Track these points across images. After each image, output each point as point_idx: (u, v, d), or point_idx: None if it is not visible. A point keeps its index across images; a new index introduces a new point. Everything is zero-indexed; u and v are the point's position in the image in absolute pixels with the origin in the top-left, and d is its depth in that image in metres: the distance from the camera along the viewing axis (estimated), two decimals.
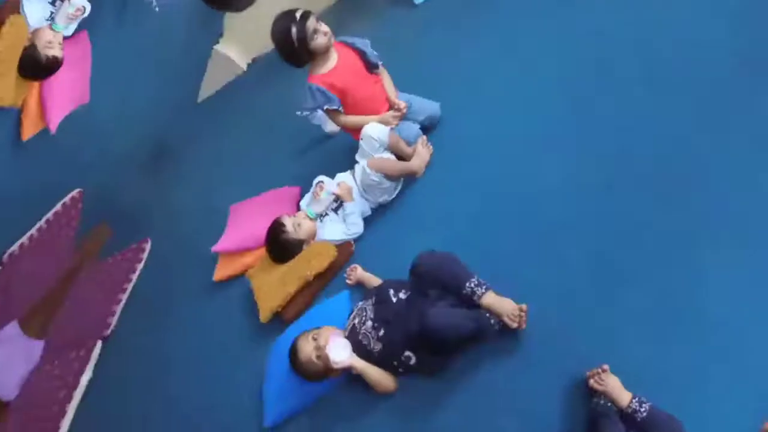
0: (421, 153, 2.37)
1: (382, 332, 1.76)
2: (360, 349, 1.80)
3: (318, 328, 1.92)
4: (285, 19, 2.25)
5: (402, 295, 1.80)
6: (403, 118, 2.48)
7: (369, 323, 1.81)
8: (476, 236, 1.87)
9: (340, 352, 1.76)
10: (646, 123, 1.80)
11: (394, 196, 2.38)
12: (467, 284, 1.63)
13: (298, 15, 2.23)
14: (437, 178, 2.31)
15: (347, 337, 1.86)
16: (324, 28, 2.29)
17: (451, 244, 1.86)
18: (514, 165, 2.07)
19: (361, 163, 2.39)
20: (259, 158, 3.57)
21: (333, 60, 2.39)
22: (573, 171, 1.86)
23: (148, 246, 3.71)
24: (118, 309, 3.36)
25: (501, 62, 2.53)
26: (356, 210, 2.36)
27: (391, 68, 2.58)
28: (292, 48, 2.27)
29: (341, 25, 2.63)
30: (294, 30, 2.23)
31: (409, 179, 2.38)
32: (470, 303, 1.63)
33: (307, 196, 2.61)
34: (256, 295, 2.41)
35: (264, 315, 2.30)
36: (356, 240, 2.36)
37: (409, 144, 2.43)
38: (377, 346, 1.77)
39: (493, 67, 2.54)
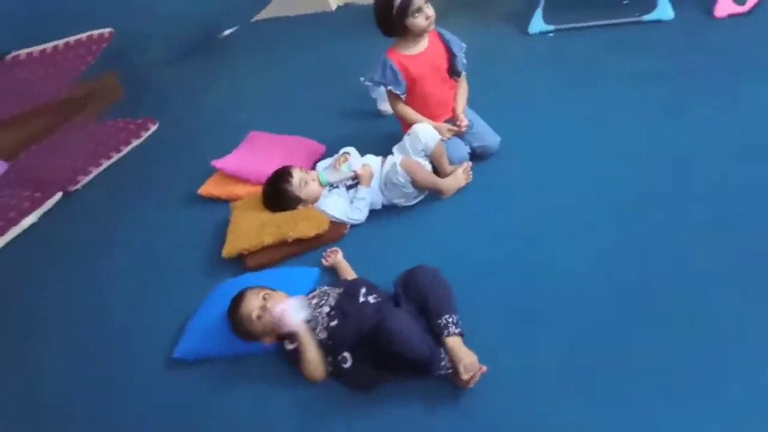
0: (458, 177, 2.39)
1: (334, 323, 1.77)
2: None
3: (273, 290, 1.95)
4: None
5: (371, 299, 1.82)
6: (459, 136, 2.51)
7: (326, 308, 1.82)
8: (466, 277, 1.89)
9: (298, 313, 1.79)
10: (687, 264, 1.81)
11: (411, 204, 2.40)
12: (446, 317, 1.65)
13: None
14: (462, 207, 2.32)
15: None
16: (430, 11, 2.31)
17: (443, 270, 1.87)
18: (538, 234, 2.07)
19: (395, 157, 2.41)
20: (303, 100, 3.60)
21: (421, 46, 2.41)
22: (589, 270, 1.87)
23: (153, 128, 3.76)
24: (94, 173, 3.41)
25: (582, 132, 2.54)
26: (368, 198, 2.38)
27: (473, 82, 2.61)
28: (389, 15, 2.29)
29: (445, 16, 2.65)
30: None
31: (433, 195, 2.40)
32: (435, 336, 1.65)
33: (328, 161, 2.64)
34: (230, 228, 2.43)
35: (228, 251, 2.33)
36: (352, 226, 2.39)
37: (451, 162, 2.45)
38: (322, 335, 1.77)
39: (572, 132, 2.56)
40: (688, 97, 2.58)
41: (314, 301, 1.88)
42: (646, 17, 3.27)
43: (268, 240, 2.29)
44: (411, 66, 2.39)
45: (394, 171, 2.31)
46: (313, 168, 2.66)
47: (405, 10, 2.27)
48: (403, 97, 2.45)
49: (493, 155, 2.53)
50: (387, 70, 2.39)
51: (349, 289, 1.88)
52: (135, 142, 3.63)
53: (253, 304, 1.87)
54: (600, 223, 2.06)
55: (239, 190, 2.73)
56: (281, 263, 2.29)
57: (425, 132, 2.37)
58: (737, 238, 1.86)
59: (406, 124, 2.52)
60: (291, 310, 1.80)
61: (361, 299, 1.82)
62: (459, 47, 2.47)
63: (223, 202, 2.72)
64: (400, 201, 2.39)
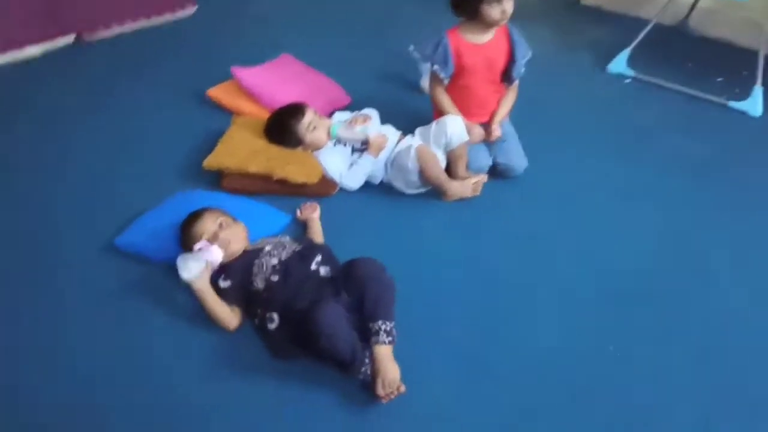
0: (467, 186, 2.36)
1: (275, 278, 1.77)
2: (246, 273, 1.82)
3: (235, 220, 1.96)
4: None
5: (322, 271, 1.82)
6: (487, 143, 2.49)
7: (275, 260, 1.82)
8: (429, 290, 1.91)
9: (189, 266, 1.76)
10: (654, 376, 1.79)
11: (408, 193, 2.39)
12: (380, 322, 1.63)
13: None
14: (457, 218, 2.31)
15: (249, 251, 1.89)
16: (508, 6, 2.26)
17: (408, 278, 1.88)
18: (521, 280, 2.07)
19: (414, 140, 2.40)
20: (351, 45, 3.59)
21: (485, 38, 2.38)
22: (558, 345, 1.85)
23: (191, 10, 3.76)
24: (115, 30, 3.41)
25: (610, 196, 2.51)
26: (368, 168, 2.36)
27: (524, 97, 2.59)
28: None
29: (527, 18, 2.60)
30: None
31: (433, 193, 2.39)
32: (365, 336, 1.65)
33: (347, 115, 2.63)
34: (222, 141, 2.43)
35: (209, 162, 2.33)
36: (341, 189, 2.37)
37: (467, 168, 2.44)
38: (260, 285, 1.78)
39: (600, 191, 2.52)
40: (736, 206, 2.50)
41: (268, 247, 1.89)
42: (732, 104, 3.21)
43: (252, 168, 2.29)
44: (466, 54, 2.36)
45: (406, 153, 2.30)
46: (330, 116, 2.65)
47: None
48: (445, 81, 2.42)
49: (512, 178, 2.51)
50: (439, 48, 2.36)
51: (306, 251, 1.88)
52: (166, 17, 3.62)
53: (207, 226, 1.88)
54: (586, 299, 2.02)
55: (247, 106, 2.74)
56: (256, 196, 2.29)
57: (454, 126, 2.34)
58: (714, 367, 1.84)
59: (438, 111, 2.51)
60: (182, 264, 1.77)
61: (313, 267, 1.82)
62: (523, 54, 2.43)
63: (226, 113, 2.72)
64: (400, 186, 2.38)
